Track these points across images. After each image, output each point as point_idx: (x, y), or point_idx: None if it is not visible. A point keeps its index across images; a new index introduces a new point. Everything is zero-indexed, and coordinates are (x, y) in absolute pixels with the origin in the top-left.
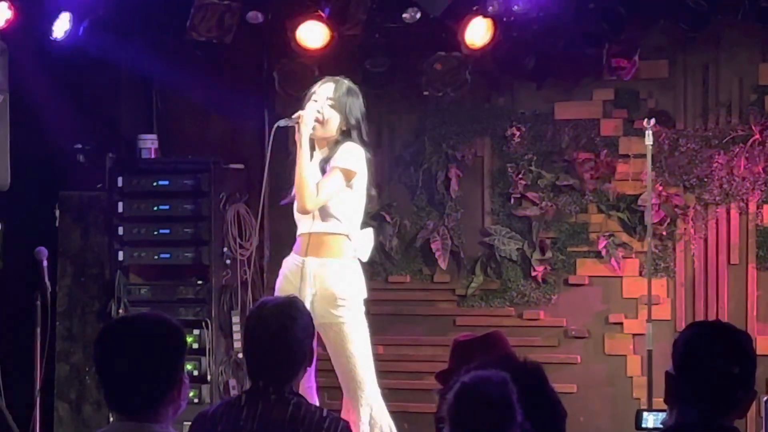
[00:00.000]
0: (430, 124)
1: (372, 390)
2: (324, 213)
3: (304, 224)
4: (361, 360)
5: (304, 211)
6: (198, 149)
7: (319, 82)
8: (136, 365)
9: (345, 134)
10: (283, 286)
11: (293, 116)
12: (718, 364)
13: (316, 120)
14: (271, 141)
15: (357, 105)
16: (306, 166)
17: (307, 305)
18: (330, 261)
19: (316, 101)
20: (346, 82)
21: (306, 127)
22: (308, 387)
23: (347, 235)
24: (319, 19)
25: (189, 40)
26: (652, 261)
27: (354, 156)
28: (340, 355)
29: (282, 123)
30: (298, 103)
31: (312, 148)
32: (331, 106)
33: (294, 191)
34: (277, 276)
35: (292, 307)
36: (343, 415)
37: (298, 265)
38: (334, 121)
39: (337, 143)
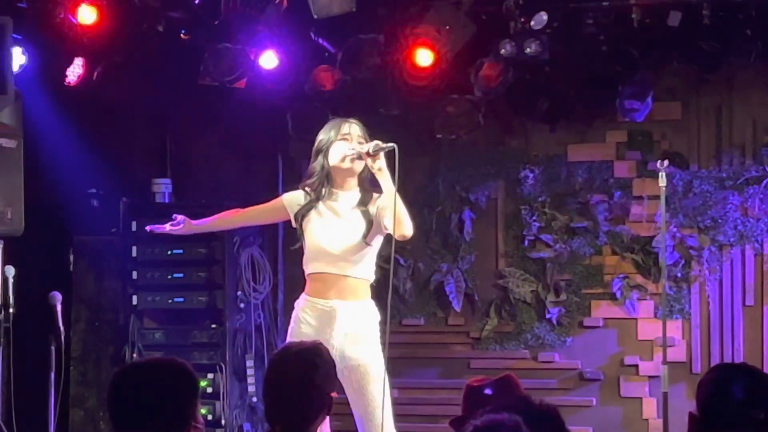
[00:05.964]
0: (444, 167)
1: None
2: (361, 257)
3: (332, 266)
4: (381, 403)
5: (408, 238)
6: (211, 192)
7: (337, 123)
8: (148, 409)
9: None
10: (302, 331)
11: (362, 149)
12: (744, 409)
13: (369, 154)
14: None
15: None
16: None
17: (335, 347)
18: (358, 303)
19: (347, 139)
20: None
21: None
22: None
23: (370, 280)
24: (332, 62)
25: (202, 84)
26: (667, 303)
27: None
28: (361, 396)
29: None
30: (311, 145)
31: (329, 186)
32: (361, 145)
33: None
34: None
35: (316, 353)
36: None
37: (325, 308)
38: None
39: (365, 188)
